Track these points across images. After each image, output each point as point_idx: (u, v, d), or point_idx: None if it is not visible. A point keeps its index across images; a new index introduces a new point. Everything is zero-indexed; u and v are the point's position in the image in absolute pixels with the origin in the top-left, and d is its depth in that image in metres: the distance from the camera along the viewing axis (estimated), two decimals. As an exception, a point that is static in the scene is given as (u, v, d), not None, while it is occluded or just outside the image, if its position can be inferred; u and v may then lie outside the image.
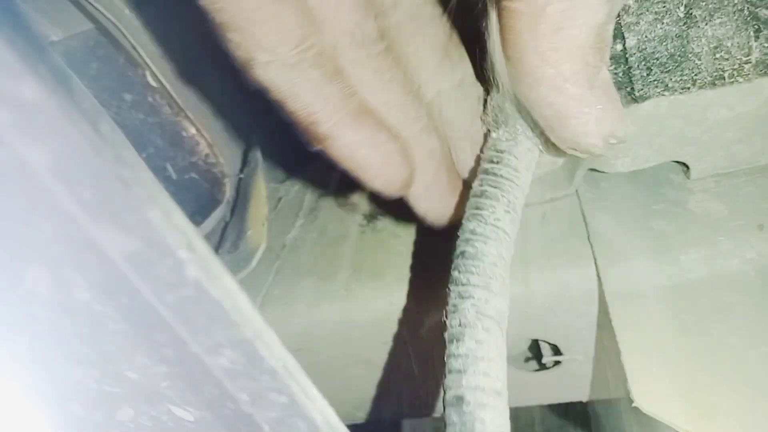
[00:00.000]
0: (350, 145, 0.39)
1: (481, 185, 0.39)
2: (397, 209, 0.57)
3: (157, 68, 0.57)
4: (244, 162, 0.65)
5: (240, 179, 0.65)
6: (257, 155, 0.65)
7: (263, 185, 0.64)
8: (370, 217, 0.58)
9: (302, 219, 0.62)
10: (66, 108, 0.15)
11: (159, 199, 0.18)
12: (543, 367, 0.54)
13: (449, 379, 0.32)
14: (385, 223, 0.57)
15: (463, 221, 0.38)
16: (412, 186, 0.43)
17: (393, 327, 0.51)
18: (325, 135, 0.39)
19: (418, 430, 1.00)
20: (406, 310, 0.50)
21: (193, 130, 0.60)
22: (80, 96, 0.16)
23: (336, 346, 0.53)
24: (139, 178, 0.17)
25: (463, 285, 0.35)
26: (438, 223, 0.47)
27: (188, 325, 0.20)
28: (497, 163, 0.40)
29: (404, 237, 0.54)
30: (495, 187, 0.39)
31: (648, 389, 0.38)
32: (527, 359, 0.55)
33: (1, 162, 0.20)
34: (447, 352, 0.33)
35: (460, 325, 0.33)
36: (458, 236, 0.38)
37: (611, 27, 0.35)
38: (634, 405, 0.38)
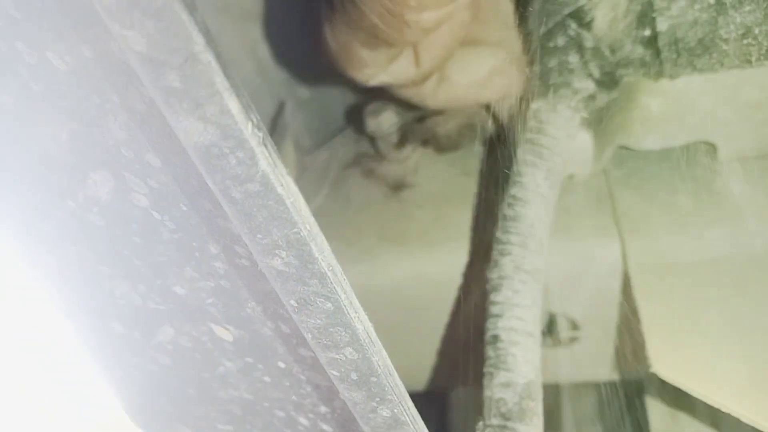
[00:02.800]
0: None
1: (523, 153, 0.42)
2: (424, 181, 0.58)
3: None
4: (272, 130, 0.66)
5: (268, 147, 0.65)
6: (286, 123, 0.66)
7: (291, 154, 0.65)
8: (396, 187, 0.59)
9: (328, 188, 0.63)
10: None
11: (239, 92, 0.19)
12: (559, 342, 0.54)
13: (489, 323, 0.36)
14: (410, 194, 0.57)
15: (507, 186, 0.41)
16: None
17: (415, 292, 0.52)
18: None
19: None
20: (429, 276, 0.51)
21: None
22: None
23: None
24: (224, 70, 0.18)
25: (503, 244, 0.39)
26: None
27: (249, 223, 0.21)
28: (538, 132, 0.42)
29: (429, 207, 0.55)
30: (535, 155, 0.41)
31: (666, 357, 0.39)
32: (544, 334, 0.56)
33: (88, 56, 0.22)
34: (487, 300, 0.38)
35: (499, 277, 0.38)
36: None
37: None
38: (651, 371, 0.39)
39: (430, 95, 0.48)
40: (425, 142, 0.60)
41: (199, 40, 0.18)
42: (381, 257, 0.52)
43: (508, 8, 0.46)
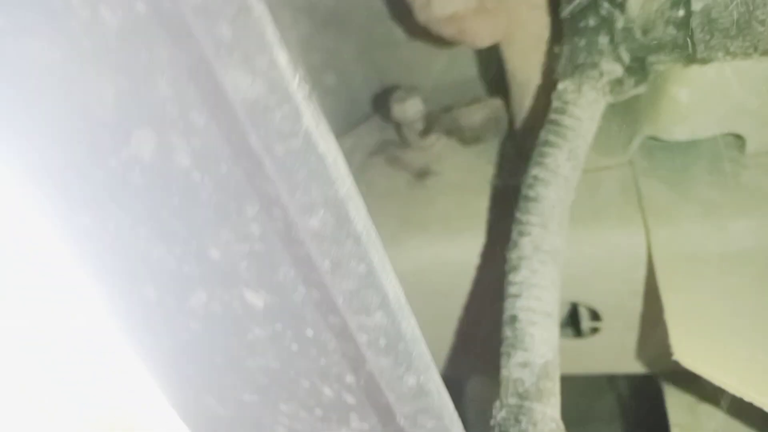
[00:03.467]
0: None
1: (545, 134, 0.42)
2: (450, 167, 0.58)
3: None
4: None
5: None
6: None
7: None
8: (419, 175, 0.59)
9: (352, 174, 0.63)
10: None
11: (286, 45, 0.19)
12: (580, 333, 0.54)
13: (507, 303, 0.36)
14: (434, 181, 0.58)
15: (529, 167, 0.41)
16: None
17: (437, 278, 0.52)
18: None
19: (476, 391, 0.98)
20: (451, 262, 0.51)
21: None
22: None
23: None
24: (271, 21, 0.19)
25: (522, 224, 0.39)
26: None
27: (289, 181, 0.21)
28: (562, 113, 0.42)
29: (452, 195, 0.55)
30: (558, 136, 0.41)
31: (688, 345, 0.39)
32: (565, 325, 0.56)
33: (140, 10, 0.22)
34: (506, 280, 0.37)
35: (518, 257, 0.37)
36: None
37: None
38: (674, 358, 0.38)
39: None
40: (449, 133, 0.60)
41: None
42: (404, 243, 0.52)
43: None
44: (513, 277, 0.37)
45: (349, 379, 0.32)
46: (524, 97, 0.51)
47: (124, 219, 0.29)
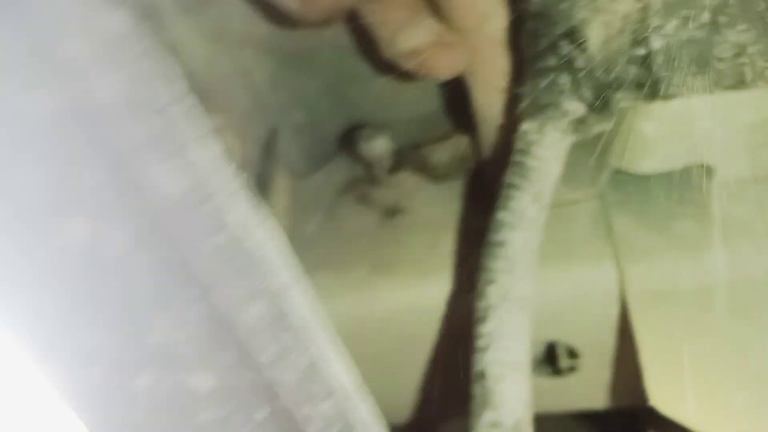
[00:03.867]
0: None
1: (509, 176, 0.41)
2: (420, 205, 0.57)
3: (187, 55, 0.58)
4: (267, 154, 0.66)
5: (260, 173, 0.65)
6: (278, 150, 0.66)
7: (283, 180, 0.64)
8: (389, 214, 0.58)
9: (321, 214, 0.62)
10: (144, 43, 0.16)
11: (209, 143, 0.18)
12: (558, 372, 0.53)
13: (475, 357, 0.35)
14: (404, 220, 0.57)
15: (495, 210, 0.40)
16: None
17: (409, 322, 0.51)
18: None
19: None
20: (420, 307, 0.50)
21: (218, 120, 0.61)
22: (154, 33, 0.16)
23: (349, 340, 0.53)
24: (196, 117, 0.17)
25: (489, 271, 0.38)
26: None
27: (220, 275, 0.20)
28: (525, 154, 0.41)
29: (422, 234, 0.54)
30: (522, 178, 0.40)
31: (664, 389, 0.38)
32: (543, 364, 0.55)
33: (63, 104, 0.21)
34: (474, 332, 0.36)
35: (485, 308, 0.37)
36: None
37: None
38: (649, 404, 0.38)
39: None
40: (418, 170, 0.60)
41: (172, 91, 0.17)
42: (372, 288, 0.51)
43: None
44: (481, 329, 0.36)
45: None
46: (491, 135, 0.50)
47: (63, 305, 0.28)
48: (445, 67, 0.48)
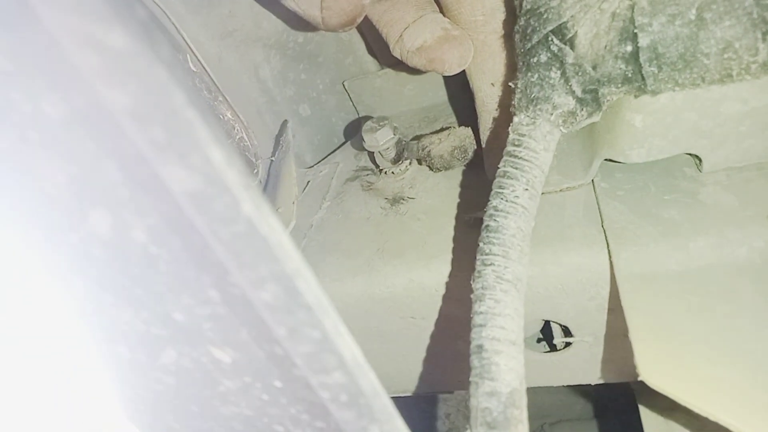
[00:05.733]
0: None
1: (503, 166, 0.43)
2: (422, 194, 0.59)
3: (198, 52, 0.60)
4: (276, 146, 0.68)
5: (272, 162, 0.68)
6: (289, 140, 0.68)
7: (293, 168, 0.67)
8: (393, 201, 0.60)
9: (329, 201, 0.65)
10: (148, 55, 0.18)
11: (221, 141, 0.20)
12: (554, 348, 0.56)
13: (473, 332, 0.38)
14: (408, 207, 0.59)
15: (490, 199, 0.43)
16: None
17: (412, 303, 0.53)
18: None
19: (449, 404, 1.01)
20: (426, 287, 0.52)
21: (229, 114, 0.63)
22: (160, 44, 0.18)
23: (357, 319, 0.56)
24: (206, 121, 0.20)
25: (485, 254, 0.40)
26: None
27: (237, 260, 0.23)
28: (518, 145, 0.43)
29: (425, 220, 0.57)
30: (515, 168, 0.42)
31: (654, 365, 0.40)
32: (539, 340, 0.58)
33: (79, 106, 0.23)
34: (472, 310, 0.39)
35: (482, 288, 0.39)
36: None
37: None
38: (640, 379, 0.40)
39: None
40: (420, 160, 0.62)
41: (180, 97, 0.19)
42: (380, 269, 0.54)
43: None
44: (478, 307, 0.39)
45: (320, 424, 0.33)
46: (490, 126, 0.52)
47: (92, 288, 0.31)
48: (454, 62, 0.50)
